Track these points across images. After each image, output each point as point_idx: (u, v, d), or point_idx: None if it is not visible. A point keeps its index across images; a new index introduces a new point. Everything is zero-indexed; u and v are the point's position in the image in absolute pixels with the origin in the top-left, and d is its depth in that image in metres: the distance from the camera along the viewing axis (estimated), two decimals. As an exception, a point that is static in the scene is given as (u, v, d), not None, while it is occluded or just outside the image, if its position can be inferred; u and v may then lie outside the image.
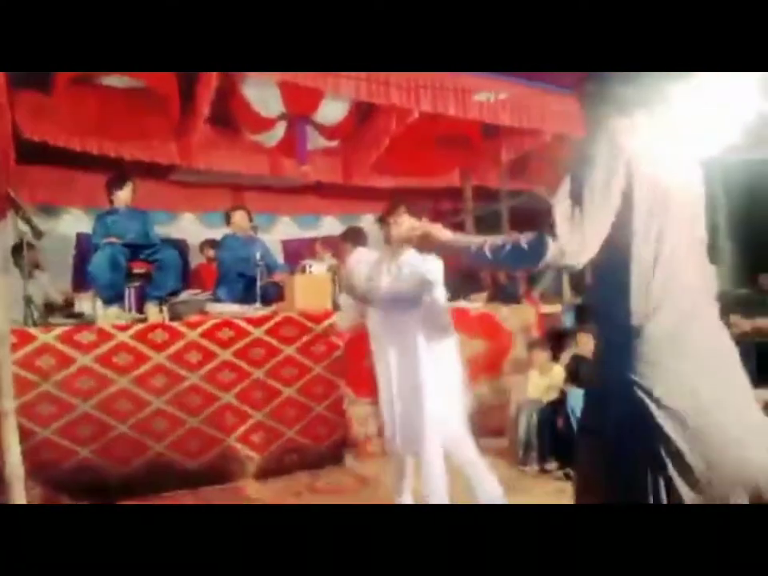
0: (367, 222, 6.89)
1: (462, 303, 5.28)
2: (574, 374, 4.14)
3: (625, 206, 1.43)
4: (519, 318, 5.25)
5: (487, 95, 5.38)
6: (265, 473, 4.02)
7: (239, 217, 5.41)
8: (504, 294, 5.51)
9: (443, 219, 7.89)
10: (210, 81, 4.90)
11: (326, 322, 4.34)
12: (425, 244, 1.73)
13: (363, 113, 6.15)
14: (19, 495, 2.50)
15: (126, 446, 3.73)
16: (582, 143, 1.53)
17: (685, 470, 1.36)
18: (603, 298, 1.56)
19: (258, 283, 4.77)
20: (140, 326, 3.92)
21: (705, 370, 1.41)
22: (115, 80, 5.16)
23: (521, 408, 4.20)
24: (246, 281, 5.07)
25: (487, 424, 4.85)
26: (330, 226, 7.83)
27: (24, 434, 3.03)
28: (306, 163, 6.26)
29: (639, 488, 1.40)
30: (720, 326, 1.48)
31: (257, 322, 4.18)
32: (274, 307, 4.60)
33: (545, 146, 6.37)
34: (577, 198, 1.41)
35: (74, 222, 6.60)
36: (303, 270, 4.76)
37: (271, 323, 4.20)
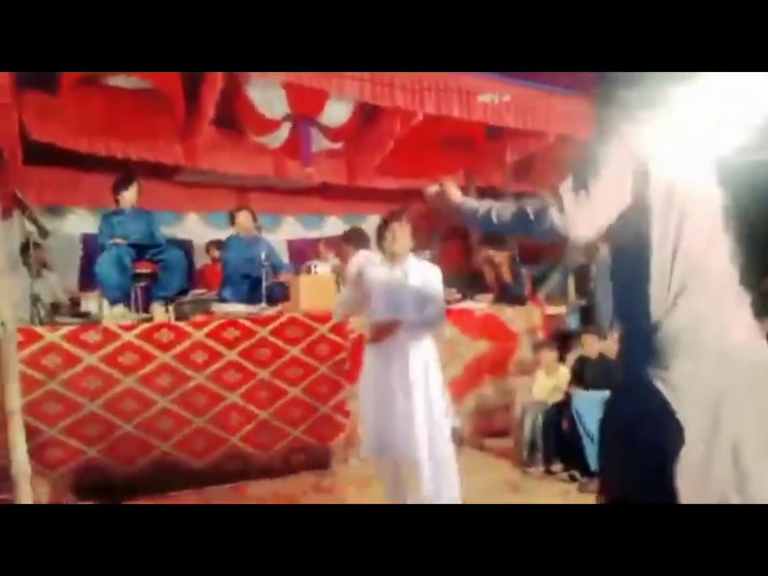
0: (371, 222, 6.89)
1: (467, 304, 5.28)
2: (579, 376, 4.14)
3: (640, 206, 1.44)
4: (524, 319, 5.25)
5: (491, 97, 5.39)
6: (270, 472, 4.03)
7: (243, 217, 5.41)
8: (509, 295, 5.50)
9: (447, 221, 7.90)
10: (215, 82, 4.91)
11: (331, 323, 4.35)
12: (438, 201, 1.74)
13: (367, 115, 6.16)
14: (25, 494, 2.51)
15: (131, 445, 3.74)
16: (589, 144, 1.54)
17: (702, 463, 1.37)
18: (622, 295, 1.57)
19: (264, 283, 4.78)
20: (146, 325, 3.93)
21: (726, 365, 1.40)
22: (121, 81, 5.18)
23: (526, 409, 4.19)
24: (250, 281, 5.08)
25: (492, 425, 4.88)
26: (334, 226, 7.83)
27: (30, 433, 3.04)
28: (310, 165, 6.27)
29: (658, 485, 1.40)
30: (748, 323, 1.47)
31: (262, 322, 4.19)
32: (279, 307, 4.61)
33: (549, 148, 6.37)
34: (582, 184, 1.42)
35: (79, 222, 6.62)
36: (308, 271, 4.77)
37: (276, 323, 4.21)
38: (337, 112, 5.92)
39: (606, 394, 3.75)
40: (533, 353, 4.74)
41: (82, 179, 6.34)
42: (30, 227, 4.46)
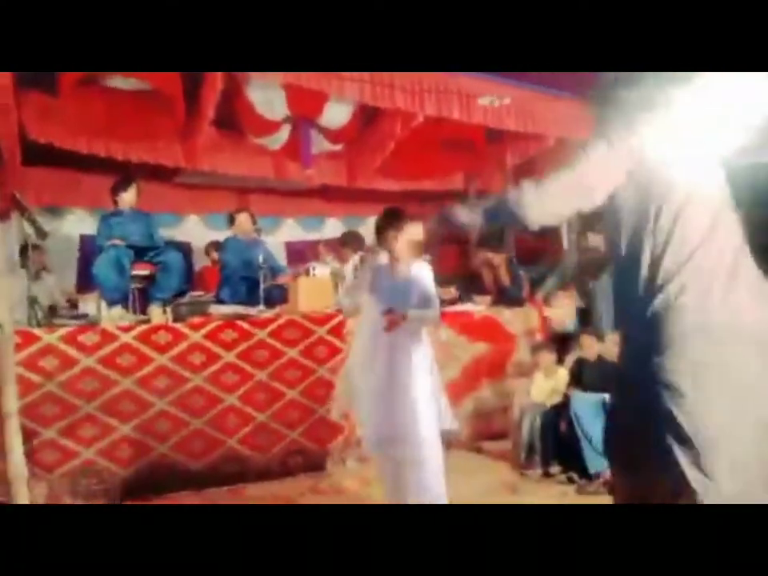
0: (370, 225, 6.89)
1: (465, 306, 5.27)
2: (577, 378, 4.13)
3: (636, 208, 1.46)
4: (522, 321, 5.24)
5: (491, 99, 5.39)
6: (268, 475, 4.02)
7: (242, 219, 5.41)
8: (507, 297, 5.50)
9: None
10: (215, 83, 4.91)
11: (329, 325, 4.34)
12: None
13: (368, 116, 6.15)
14: (22, 496, 2.50)
15: (129, 447, 3.73)
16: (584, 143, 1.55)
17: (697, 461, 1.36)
18: (619, 293, 1.58)
19: (262, 285, 4.78)
20: (143, 327, 3.92)
21: (727, 362, 1.39)
22: (121, 81, 5.18)
23: (524, 411, 4.18)
24: (248, 283, 5.07)
25: (490, 427, 4.86)
26: (334, 228, 7.83)
27: (27, 435, 3.04)
28: (310, 166, 6.27)
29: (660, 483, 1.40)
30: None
31: (260, 324, 4.18)
32: (277, 309, 4.61)
33: (549, 151, 6.37)
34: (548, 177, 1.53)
35: (77, 223, 6.62)
36: (307, 273, 4.76)
37: (274, 325, 4.20)
38: (337, 114, 5.91)
39: (605, 396, 3.75)
40: (531, 355, 4.73)
41: (81, 180, 6.33)
42: (29, 228, 4.45)
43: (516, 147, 6.70)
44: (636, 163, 1.47)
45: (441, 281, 3.04)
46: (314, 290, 4.56)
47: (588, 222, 5.06)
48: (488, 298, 5.48)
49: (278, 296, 4.93)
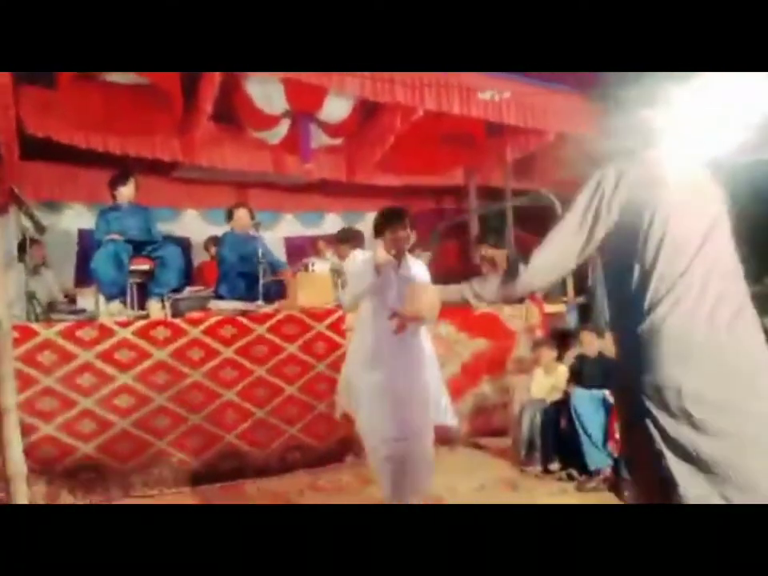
0: (370, 220, 6.89)
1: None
2: (577, 374, 4.12)
3: (630, 210, 1.45)
4: (523, 318, 5.23)
5: (491, 93, 5.37)
6: (266, 471, 4.01)
7: (241, 214, 5.39)
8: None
9: (447, 218, 7.89)
10: (214, 78, 4.90)
11: (329, 320, 4.33)
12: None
13: (368, 111, 6.14)
14: (21, 491, 2.49)
15: (127, 442, 3.72)
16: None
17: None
18: (612, 298, 1.59)
19: (261, 281, 4.76)
20: (142, 322, 3.92)
21: (716, 369, 1.39)
22: (119, 76, 5.15)
23: (524, 408, 4.18)
24: (247, 278, 5.06)
25: (490, 423, 4.86)
26: (333, 223, 7.81)
27: (25, 430, 3.04)
28: (309, 161, 6.25)
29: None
30: (749, 330, 1.46)
31: (259, 320, 4.17)
32: (276, 305, 4.60)
33: (549, 146, 6.35)
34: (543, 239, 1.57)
35: (75, 217, 6.61)
36: (306, 268, 4.75)
37: (273, 321, 4.19)
38: (336, 108, 5.89)
39: (605, 392, 3.75)
40: (531, 351, 4.73)
41: (79, 174, 6.33)
42: (27, 223, 4.43)
43: (516, 141, 6.69)
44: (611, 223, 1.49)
45: (441, 278, 3.04)
46: (313, 285, 4.55)
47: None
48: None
49: (276, 292, 4.92)
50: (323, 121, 6.06)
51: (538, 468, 3.96)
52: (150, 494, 3.68)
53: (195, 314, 4.17)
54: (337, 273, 4.73)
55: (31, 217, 4.47)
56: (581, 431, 3.72)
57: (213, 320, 4.05)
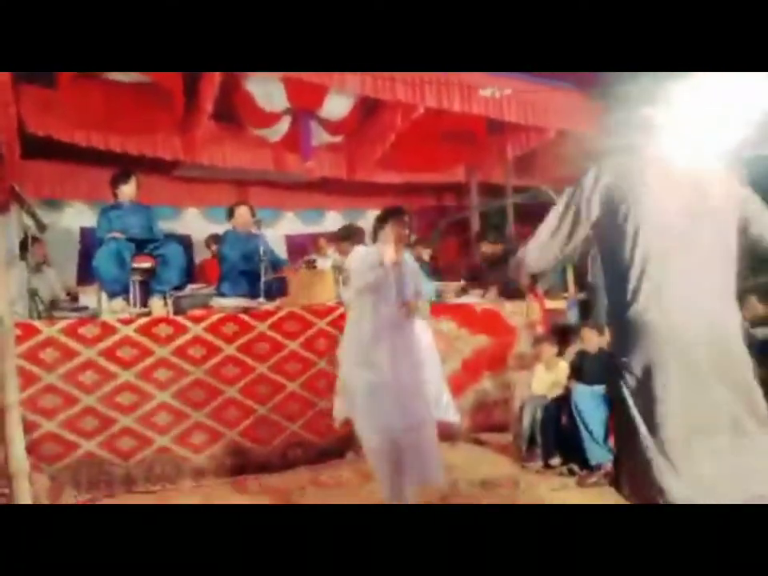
0: (370, 218, 6.89)
1: (468, 298, 5.27)
2: (578, 370, 4.13)
3: (612, 209, 1.51)
4: (523, 314, 5.24)
5: (492, 90, 5.37)
6: (268, 467, 4.02)
7: (242, 212, 5.39)
8: (508, 290, 5.49)
9: (448, 215, 7.90)
10: (214, 76, 4.90)
11: (330, 317, 4.34)
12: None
13: (368, 108, 6.14)
14: (23, 488, 2.50)
15: (130, 439, 3.74)
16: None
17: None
18: (607, 292, 1.63)
19: (262, 278, 4.77)
20: (144, 319, 3.93)
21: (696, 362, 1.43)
22: (120, 74, 5.16)
23: (525, 403, 4.18)
24: (248, 276, 5.06)
25: (491, 419, 4.87)
26: (334, 221, 7.82)
27: (28, 427, 3.05)
28: (310, 159, 6.25)
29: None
30: (727, 324, 1.48)
31: (261, 317, 4.18)
32: (277, 302, 4.60)
33: (550, 143, 6.35)
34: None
35: (76, 216, 6.62)
36: (307, 265, 4.75)
37: (275, 318, 4.20)
38: (337, 105, 5.89)
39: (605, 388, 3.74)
40: (532, 347, 4.73)
41: (80, 173, 6.34)
42: (28, 221, 4.45)
43: (517, 139, 6.69)
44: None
45: (443, 274, 3.08)
46: (314, 282, 4.55)
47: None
48: (494, 290, 5.46)
49: (278, 289, 4.92)
50: (324, 118, 6.07)
51: (539, 463, 3.96)
52: (152, 489, 3.69)
53: (197, 312, 4.18)
54: (338, 270, 4.73)
55: (32, 215, 4.48)
56: (581, 427, 3.73)
57: (214, 317, 4.06)
